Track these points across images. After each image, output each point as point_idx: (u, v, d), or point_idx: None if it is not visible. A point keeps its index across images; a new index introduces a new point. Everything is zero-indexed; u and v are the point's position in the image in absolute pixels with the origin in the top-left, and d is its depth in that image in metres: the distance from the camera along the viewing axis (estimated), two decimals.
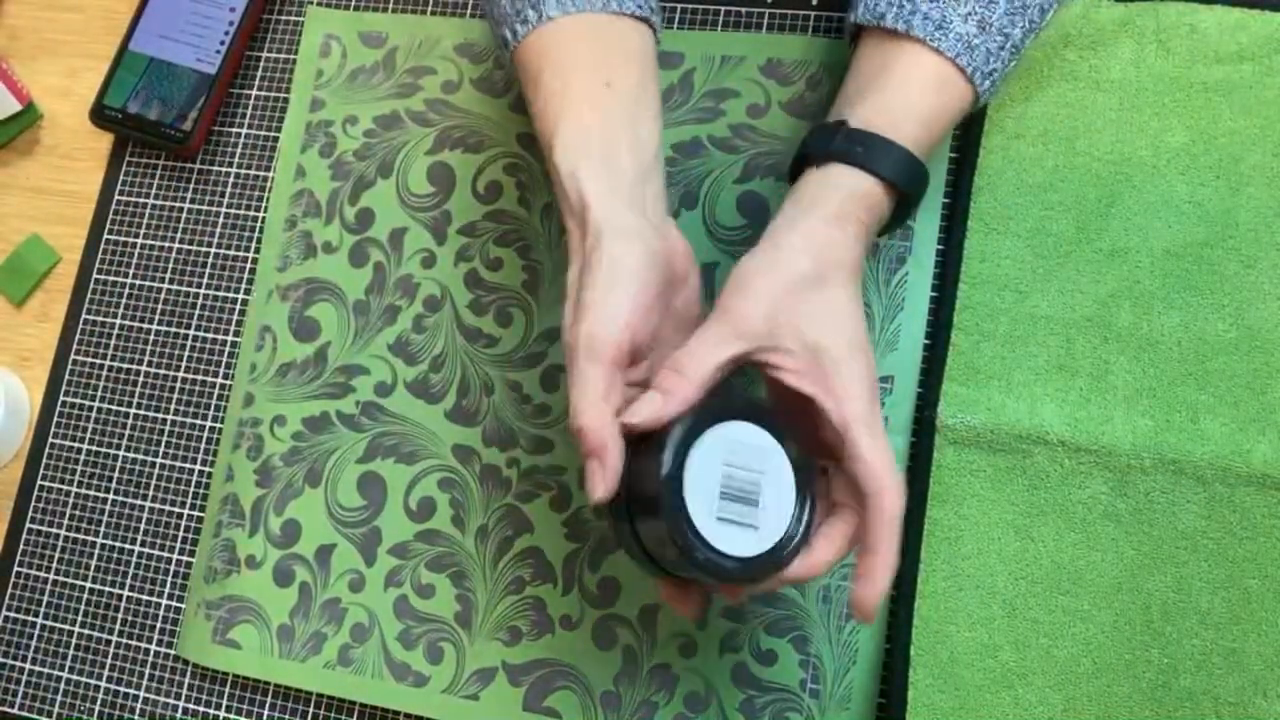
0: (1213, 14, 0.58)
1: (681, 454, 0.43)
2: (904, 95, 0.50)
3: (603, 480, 0.44)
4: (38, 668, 0.64)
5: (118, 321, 0.68)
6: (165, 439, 0.66)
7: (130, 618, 0.64)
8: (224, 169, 0.69)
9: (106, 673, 0.64)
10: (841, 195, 0.48)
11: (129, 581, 0.64)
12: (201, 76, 0.69)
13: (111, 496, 0.66)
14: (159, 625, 0.64)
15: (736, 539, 0.43)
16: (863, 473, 0.44)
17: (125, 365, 0.67)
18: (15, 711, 0.64)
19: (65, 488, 0.66)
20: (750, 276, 0.46)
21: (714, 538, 0.43)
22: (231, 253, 0.67)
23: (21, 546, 0.66)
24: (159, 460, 0.66)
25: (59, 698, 0.64)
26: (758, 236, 0.48)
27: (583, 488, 0.59)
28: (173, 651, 0.63)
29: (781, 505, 0.45)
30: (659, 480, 0.43)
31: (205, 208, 0.68)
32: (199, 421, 0.66)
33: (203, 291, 0.67)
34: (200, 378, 0.66)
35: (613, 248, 0.46)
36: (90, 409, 0.67)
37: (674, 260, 0.48)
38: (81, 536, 0.66)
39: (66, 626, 0.65)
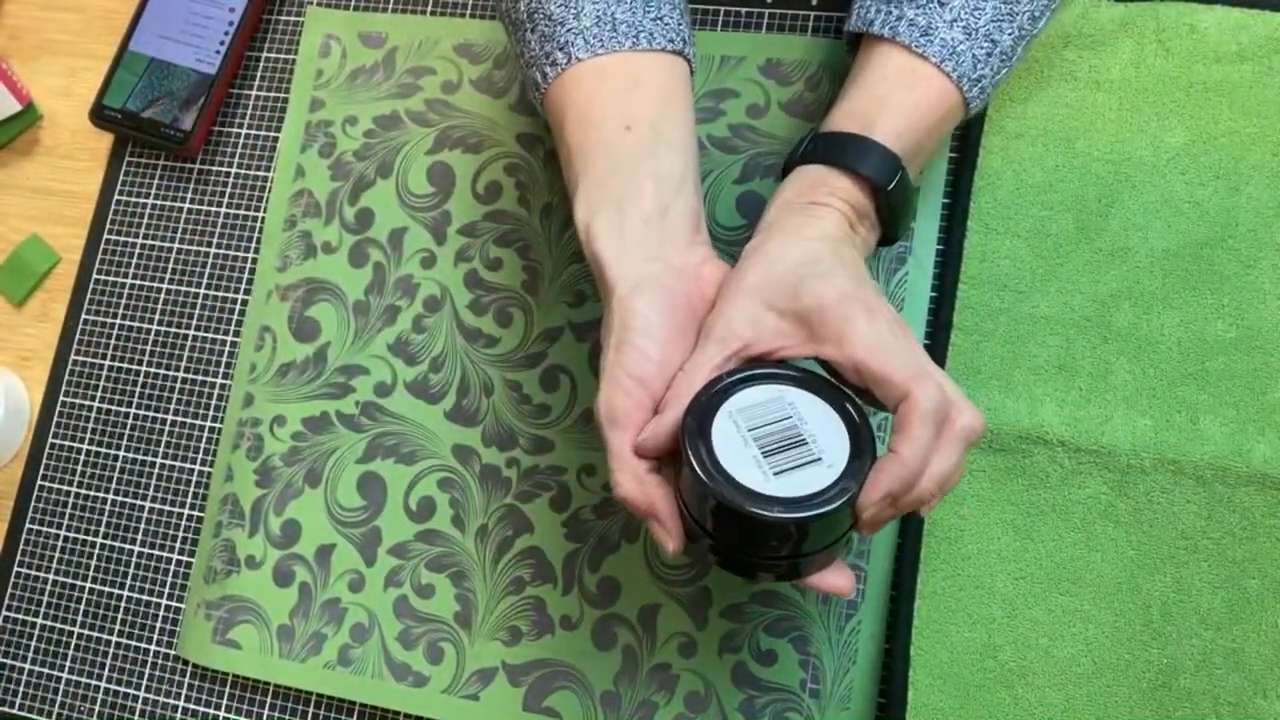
0: (1213, 14, 0.58)
1: (705, 449, 0.42)
2: (878, 96, 0.50)
3: (667, 535, 0.44)
4: (38, 668, 0.64)
5: (118, 321, 0.68)
6: (165, 439, 0.66)
7: (130, 618, 0.64)
8: (224, 169, 0.69)
9: (106, 673, 0.64)
10: (801, 185, 0.49)
11: (129, 581, 0.64)
12: (201, 76, 0.69)
13: (111, 496, 0.66)
14: (159, 625, 0.64)
15: (808, 479, 0.42)
16: (889, 392, 0.42)
17: (125, 365, 0.67)
18: (15, 711, 0.64)
19: (65, 488, 0.67)
20: (724, 288, 0.47)
21: (781, 490, 0.42)
22: (231, 253, 0.67)
23: (21, 546, 0.66)
24: (159, 460, 0.66)
25: (59, 698, 0.64)
26: None
27: (597, 486, 0.59)
28: (173, 651, 0.63)
29: (833, 429, 0.43)
30: (700, 482, 0.42)
31: (205, 208, 0.68)
32: (199, 421, 0.66)
33: (202, 291, 0.67)
34: (200, 378, 0.66)
35: (625, 308, 0.46)
36: (90, 409, 0.67)
37: (705, 294, 0.48)
38: (81, 536, 0.66)
39: (66, 626, 0.65)
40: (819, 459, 0.42)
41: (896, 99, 0.50)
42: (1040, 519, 0.54)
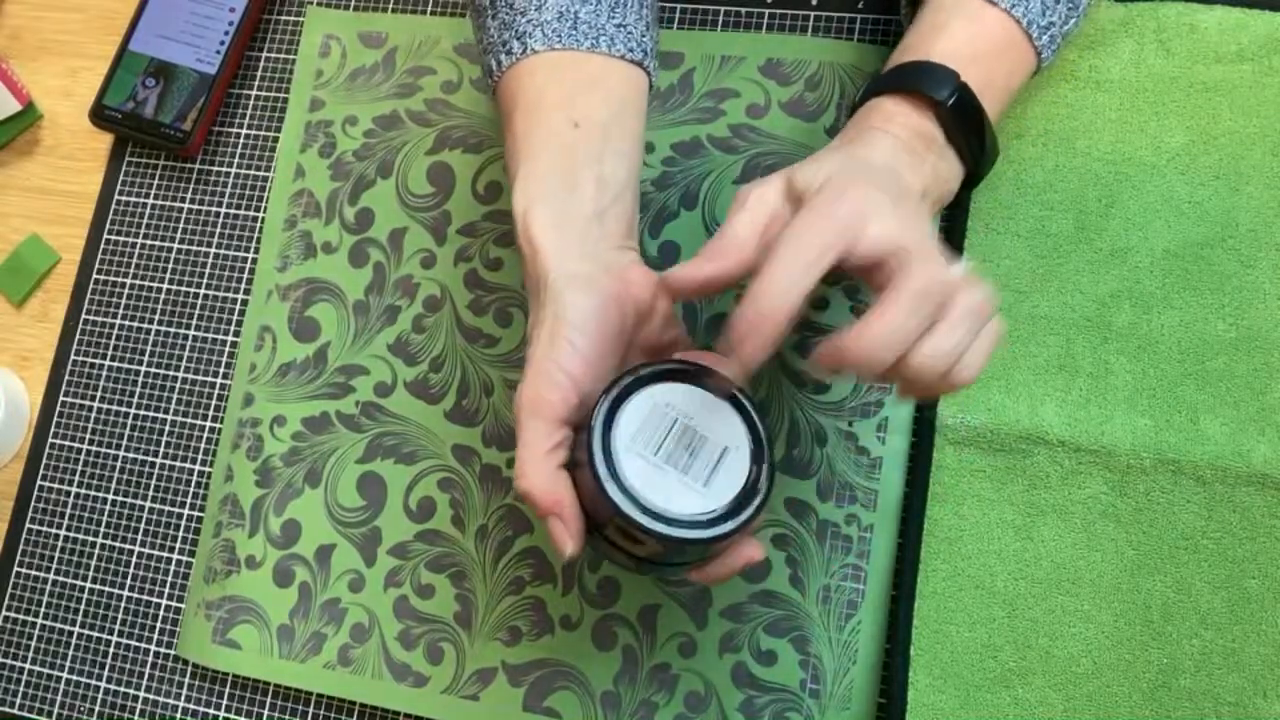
0: (1213, 14, 0.58)
1: (604, 446, 0.42)
2: (934, 24, 0.49)
3: (569, 535, 0.43)
4: (38, 668, 0.65)
5: (118, 321, 0.68)
6: (165, 439, 0.66)
7: (130, 618, 0.64)
8: (224, 169, 0.69)
9: (106, 673, 0.64)
10: (856, 118, 0.49)
11: (129, 581, 0.64)
12: (201, 76, 0.69)
13: (111, 496, 0.66)
14: (159, 625, 0.64)
15: (726, 480, 0.43)
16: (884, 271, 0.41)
17: (125, 365, 0.67)
18: (15, 711, 0.64)
19: (65, 488, 0.67)
20: None
21: (675, 503, 0.42)
22: (231, 253, 0.67)
23: (21, 546, 0.66)
24: (159, 460, 0.66)
25: (59, 698, 0.64)
26: None
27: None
28: (173, 651, 0.63)
29: (735, 432, 0.44)
30: (595, 484, 0.42)
31: (205, 208, 0.68)
32: (199, 421, 0.66)
33: (202, 291, 0.67)
34: (200, 378, 0.66)
35: (559, 301, 0.45)
36: (90, 409, 0.67)
37: (634, 296, 0.47)
38: (81, 536, 0.66)
39: (66, 626, 0.65)
40: (725, 448, 0.43)
41: (954, 27, 0.49)
42: (1040, 519, 0.54)
